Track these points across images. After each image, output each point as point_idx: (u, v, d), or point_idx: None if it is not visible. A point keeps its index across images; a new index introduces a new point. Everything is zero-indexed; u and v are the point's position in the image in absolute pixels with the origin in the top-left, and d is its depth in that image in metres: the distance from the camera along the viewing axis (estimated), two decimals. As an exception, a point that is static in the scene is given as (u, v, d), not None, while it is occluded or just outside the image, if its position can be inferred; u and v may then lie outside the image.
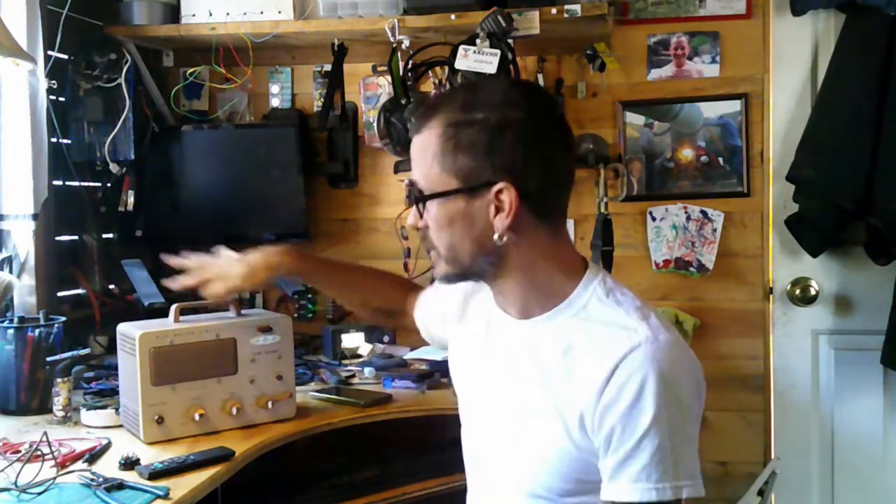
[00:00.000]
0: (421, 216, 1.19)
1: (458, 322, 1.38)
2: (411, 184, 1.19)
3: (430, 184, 1.16)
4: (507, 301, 1.23)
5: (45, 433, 1.55)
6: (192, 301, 1.74)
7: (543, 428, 1.16)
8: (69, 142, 2.37)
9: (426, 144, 1.16)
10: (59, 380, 1.80)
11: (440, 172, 1.15)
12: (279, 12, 2.35)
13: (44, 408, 1.87)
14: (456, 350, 1.39)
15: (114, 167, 2.42)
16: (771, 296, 2.55)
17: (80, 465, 1.52)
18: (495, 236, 1.14)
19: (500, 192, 1.13)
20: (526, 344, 1.21)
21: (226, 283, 1.57)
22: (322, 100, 2.53)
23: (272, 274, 1.58)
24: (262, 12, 2.36)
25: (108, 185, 2.51)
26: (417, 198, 1.18)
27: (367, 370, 2.23)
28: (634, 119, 2.59)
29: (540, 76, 2.56)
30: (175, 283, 1.60)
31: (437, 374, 2.15)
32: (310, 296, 2.70)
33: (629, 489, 1.07)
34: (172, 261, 1.62)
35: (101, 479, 1.43)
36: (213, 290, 1.58)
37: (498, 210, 1.14)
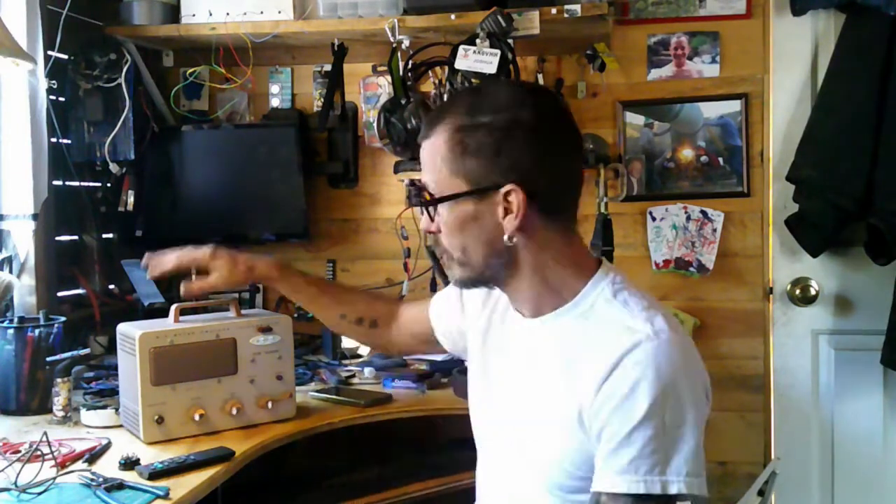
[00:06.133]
0: (432, 220, 1.21)
1: (479, 314, 1.38)
2: (413, 184, 1.21)
3: (440, 187, 1.18)
4: (520, 302, 1.25)
5: (45, 433, 1.55)
6: (192, 301, 1.74)
7: (548, 427, 1.17)
8: (69, 142, 2.37)
9: (435, 149, 1.18)
10: (59, 380, 1.80)
11: (449, 176, 1.17)
12: (279, 12, 2.35)
13: (44, 408, 1.87)
14: (473, 342, 1.39)
15: (114, 167, 2.42)
16: (771, 296, 2.55)
17: (80, 465, 1.52)
18: (505, 237, 1.16)
19: (508, 193, 1.14)
20: (533, 343, 1.23)
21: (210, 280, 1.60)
22: (322, 100, 2.52)
23: (249, 275, 1.61)
24: (262, 12, 2.36)
25: (108, 185, 2.51)
26: (427, 201, 1.19)
27: (367, 370, 2.23)
28: (634, 119, 2.58)
29: (540, 76, 2.56)
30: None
31: (437, 374, 2.15)
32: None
33: (617, 480, 1.08)
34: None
35: (101, 479, 1.43)
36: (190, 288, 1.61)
37: (507, 211, 1.15)
